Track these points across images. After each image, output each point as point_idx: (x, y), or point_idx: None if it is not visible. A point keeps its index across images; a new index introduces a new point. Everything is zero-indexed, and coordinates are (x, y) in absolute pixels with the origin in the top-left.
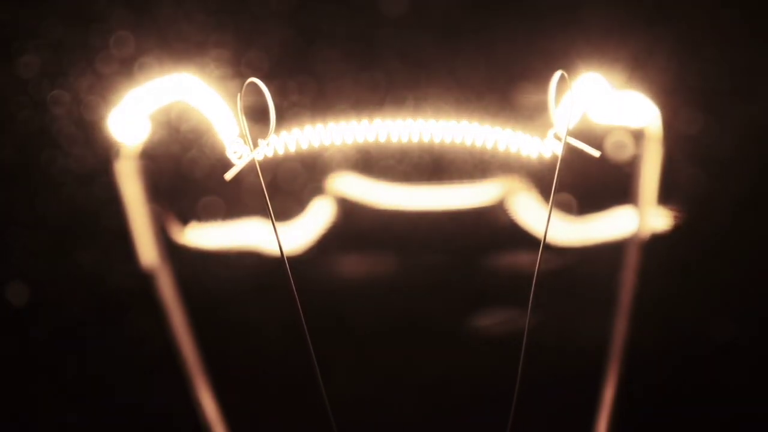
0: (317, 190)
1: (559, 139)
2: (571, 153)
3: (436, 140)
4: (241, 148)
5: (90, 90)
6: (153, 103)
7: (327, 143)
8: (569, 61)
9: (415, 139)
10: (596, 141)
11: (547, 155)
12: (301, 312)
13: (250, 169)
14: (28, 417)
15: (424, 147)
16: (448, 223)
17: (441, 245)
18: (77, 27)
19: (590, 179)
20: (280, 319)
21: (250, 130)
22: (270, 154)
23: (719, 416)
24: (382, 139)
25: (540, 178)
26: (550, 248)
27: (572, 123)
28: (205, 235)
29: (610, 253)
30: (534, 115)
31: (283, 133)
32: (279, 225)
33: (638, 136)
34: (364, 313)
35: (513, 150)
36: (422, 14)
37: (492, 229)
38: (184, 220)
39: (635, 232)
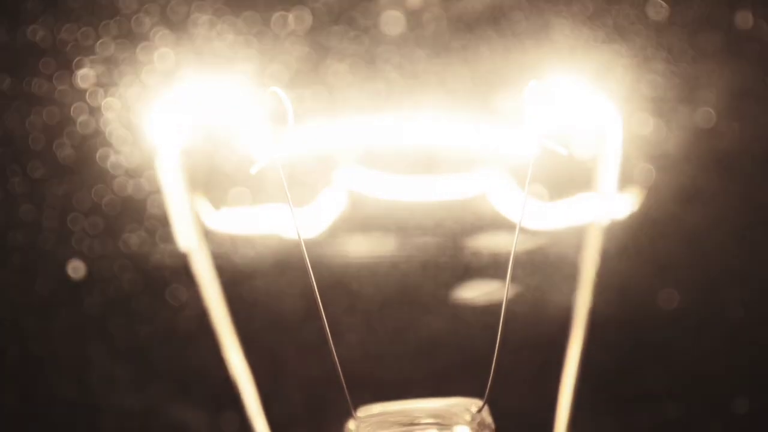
0: (328, 182)
1: (533, 139)
2: (543, 151)
3: (430, 140)
4: (264, 146)
5: (137, 98)
6: (190, 109)
7: (337, 142)
8: (541, 72)
9: (411, 139)
10: (564, 140)
11: (522, 153)
12: (315, 285)
13: (272, 164)
14: (85, 375)
15: (419, 145)
16: (439, 210)
17: (433, 229)
18: (126, 45)
19: (559, 173)
20: (297, 291)
21: (271, 132)
22: (289, 152)
23: (666, 372)
24: (384, 139)
25: (516, 172)
26: (524, 231)
27: (544, 125)
28: (234, 220)
29: (575, 235)
30: (512, 119)
31: (300, 133)
32: (296, 211)
33: (599, 136)
34: (368, 285)
35: (494, 148)
36: (417, 34)
37: (476, 215)
38: (217, 208)
39: (597, 218)
